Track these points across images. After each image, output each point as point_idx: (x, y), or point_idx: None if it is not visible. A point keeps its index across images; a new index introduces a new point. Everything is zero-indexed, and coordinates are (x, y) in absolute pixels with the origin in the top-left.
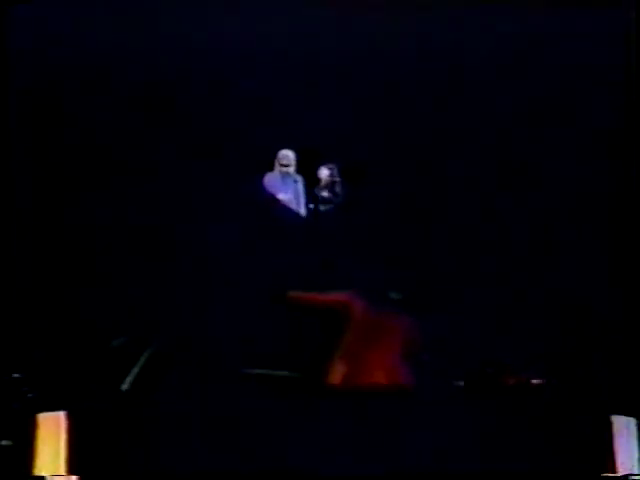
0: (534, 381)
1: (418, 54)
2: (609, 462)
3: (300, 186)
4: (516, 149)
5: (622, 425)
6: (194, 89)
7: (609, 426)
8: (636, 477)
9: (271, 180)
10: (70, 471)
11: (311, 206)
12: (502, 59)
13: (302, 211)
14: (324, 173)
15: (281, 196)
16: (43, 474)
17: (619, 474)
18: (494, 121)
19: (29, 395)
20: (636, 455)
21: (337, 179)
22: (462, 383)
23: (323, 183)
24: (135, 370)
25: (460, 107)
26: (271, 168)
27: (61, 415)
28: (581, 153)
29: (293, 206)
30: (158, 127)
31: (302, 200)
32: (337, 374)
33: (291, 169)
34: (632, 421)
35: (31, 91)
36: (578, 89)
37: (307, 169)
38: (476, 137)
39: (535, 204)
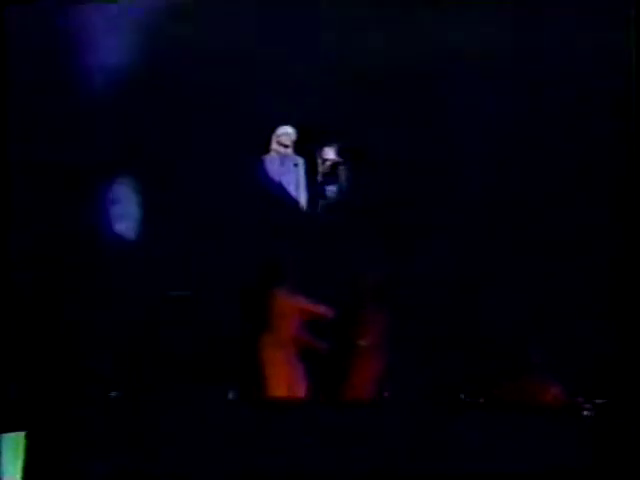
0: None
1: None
2: None
3: (301, 170)
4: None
5: None
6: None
7: None
8: None
9: (268, 163)
10: None
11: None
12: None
13: (303, 200)
14: (327, 155)
15: (280, 182)
16: None
17: None
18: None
19: None
20: None
21: (341, 162)
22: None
23: (326, 167)
24: None
25: (461, 100)
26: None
27: (21, 435)
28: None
29: (293, 194)
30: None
31: (303, 187)
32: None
33: (290, 149)
34: None
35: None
36: (578, 90)
37: (308, 150)
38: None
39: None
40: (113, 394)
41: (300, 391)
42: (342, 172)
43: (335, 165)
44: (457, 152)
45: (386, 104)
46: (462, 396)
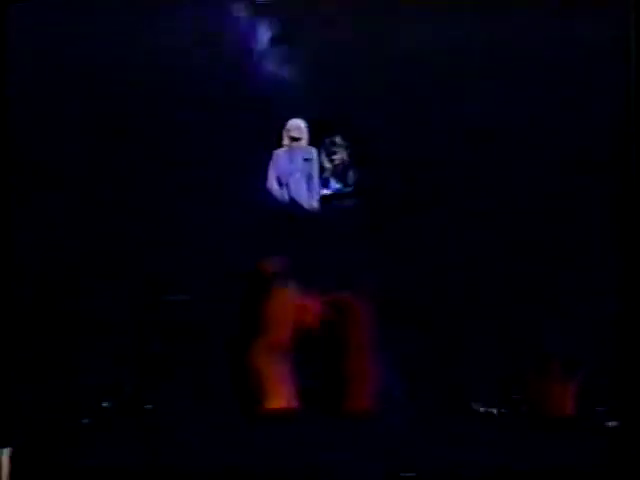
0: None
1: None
2: None
3: (314, 166)
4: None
5: None
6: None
7: None
8: None
9: (278, 159)
10: None
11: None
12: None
13: (315, 200)
14: (334, 155)
15: (287, 183)
16: None
17: None
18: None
19: None
20: None
21: (347, 161)
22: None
23: (332, 167)
24: None
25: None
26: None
27: (5, 452)
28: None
29: (303, 194)
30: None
31: (315, 186)
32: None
33: (303, 142)
34: None
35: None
36: (578, 90)
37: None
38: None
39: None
40: (105, 404)
41: (292, 401)
42: (349, 173)
43: (342, 165)
44: (459, 153)
45: (391, 103)
46: (475, 407)
